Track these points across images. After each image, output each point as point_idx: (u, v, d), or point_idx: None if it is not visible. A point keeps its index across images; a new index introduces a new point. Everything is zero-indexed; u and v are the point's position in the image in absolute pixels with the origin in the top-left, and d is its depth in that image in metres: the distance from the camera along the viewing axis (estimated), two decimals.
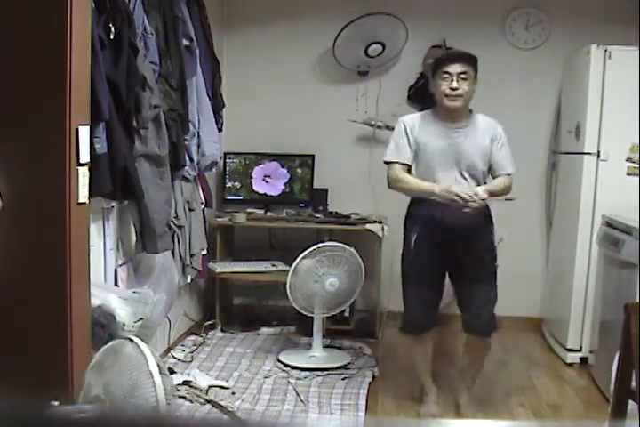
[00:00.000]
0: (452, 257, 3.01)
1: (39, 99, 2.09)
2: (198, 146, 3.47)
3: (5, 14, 2.07)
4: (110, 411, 1.73)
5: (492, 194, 2.91)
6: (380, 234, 4.06)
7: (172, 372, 3.27)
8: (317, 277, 3.62)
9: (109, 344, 1.92)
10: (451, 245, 2.97)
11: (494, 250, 3.07)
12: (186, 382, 3.22)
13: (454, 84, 2.86)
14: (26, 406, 0.85)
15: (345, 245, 3.68)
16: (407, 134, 2.99)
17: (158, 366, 1.81)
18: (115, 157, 2.51)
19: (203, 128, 3.49)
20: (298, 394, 3.23)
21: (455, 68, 2.87)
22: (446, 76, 2.87)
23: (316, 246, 3.61)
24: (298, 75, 4.50)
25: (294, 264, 3.57)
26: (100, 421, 0.94)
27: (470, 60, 2.91)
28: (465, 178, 2.95)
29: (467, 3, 4.33)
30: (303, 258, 3.59)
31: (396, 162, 3.00)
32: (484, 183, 3.00)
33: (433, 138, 2.95)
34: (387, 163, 3.05)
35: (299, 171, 4.43)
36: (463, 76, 2.87)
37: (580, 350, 3.75)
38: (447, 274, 3.09)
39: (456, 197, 2.79)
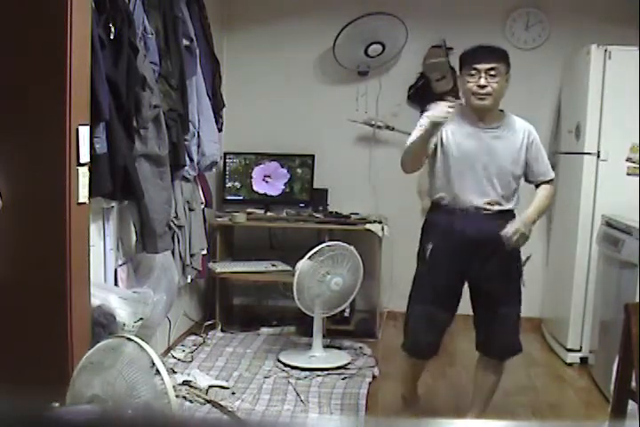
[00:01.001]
0: (472, 272, 2.72)
1: (39, 99, 2.09)
2: (198, 146, 3.47)
3: (5, 14, 2.07)
4: (114, 411, 1.73)
5: (536, 219, 2.67)
6: (380, 234, 4.06)
7: (171, 372, 3.28)
8: (322, 277, 3.63)
9: (104, 343, 1.91)
10: (470, 258, 2.69)
11: (520, 266, 2.78)
12: (186, 382, 3.22)
13: (482, 82, 2.60)
14: (27, 408, 0.85)
15: (345, 244, 3.69)
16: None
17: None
18: (115, 157, 2.51)
19: (203, 128, 3.49)
20: (298, 394, 3.23)
21: (484, 65, 2.59)
22: (474, 72, 2.61)
23: (320, 247, 3.61)
24: (298, 75, 4.50)
25: (300, 265, 3.56)
26: (104, 421, 0.94)
27: (501, 55, 2.65)
28: (492, 183, 2.68)
29: (467, 3, 4.33)
30: (308, 259, 3.59)
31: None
32: (515, 190, 2.73)
33: (461, 138, 2.68)
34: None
35: (299, 171, 4.43)
36: (492, 72, 2.61)
37: (580, 350, 3.75)
38: (469, 292, 2.81)
39: (439, 109, 2.48)
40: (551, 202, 2.83)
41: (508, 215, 2.71)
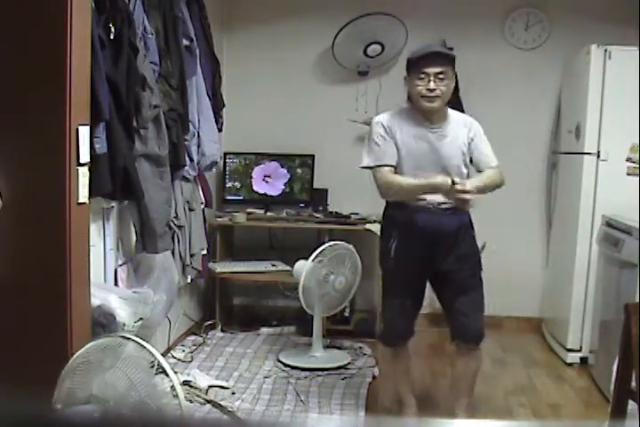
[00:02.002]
0: (434, 264, 2.84)
1: (39, 99, 2.09)
2: (198, 146, 3.47)
3: (5, 14, 2.07)
4: (115, 412, 1.73)
5: (481, 189, 2.72)
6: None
7: (167, 374, 3.27)
8: (325, 276, 3.63)
9: (97, 343, 1.90)
10: (432, 252, 2.81)
11: (478, 255, 2.92)
12: (186, 382, 3.22)
13: (432, 85, 2.67)
14: (30, 409, 0.85)
15: (346, 243, 3.69)
16: (386, 133, 2.78)
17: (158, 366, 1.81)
18: (115, 157, 2.51)
19: (203, 128, 3.49)
20: (298, 394, 3.23)
21: (432, 68, 2.67)
22: (423, 76, 2.68)
23: (323, 247, 3.61)
24: (298, 75, 4.50)
25: (304, 266, 3.55)
26: (105, 422, 0.94)
27: (448, 59, 2.71)
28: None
29: (467, 3, 4.33)
30: (313, 260, 3.59)
31: (383, 165, 2.77)
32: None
33: (411, 139, 2.77)
34: (369, 168, 2.82)
35: (299, 171, 4.43)
36: (441, 76, 2.67)
37: (580, 350, 3.75)
38: (429, 282, 2.93)
39: (458, 187, 2.61)
40: (497, 183, 2.83)
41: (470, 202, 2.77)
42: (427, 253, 2.81)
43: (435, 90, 2.68)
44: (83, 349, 1.90)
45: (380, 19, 4.24)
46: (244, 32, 4.49)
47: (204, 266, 3.85)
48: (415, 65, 2.71)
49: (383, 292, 2.96)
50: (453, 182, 2.64)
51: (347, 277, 3.69)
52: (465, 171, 2.81)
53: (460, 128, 2.81)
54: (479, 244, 2.95)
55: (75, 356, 1.89)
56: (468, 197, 2.64)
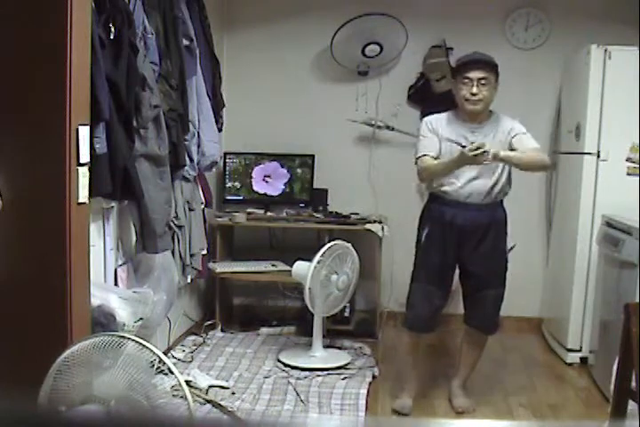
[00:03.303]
0: (462, 256, 3.08)
1: (39, 99, 2.09)
2: (198, 146, 3.47)
3: (5, 14, 2.07)
4: (120, 412, 1.73)
5: (509, 159, 2.91)
6: (380, 234, 4.06)
7: (172, 372, 3.27)
8: (328, 276, 3.63)
9: (93, 341, 1.90)
10: (460, 244, 3.05)
11: (504, 254, 3.14)
12: (186, 382, 3.22)
13: (474, 90, 2.95)
14: (34, 411, 0.85)
15: (345, 242, 3.70)
16: (432, 131, 3.06)
17: (158, 366, 1.81)
18: (115, 157, 2.51)
19: (203, 128, 3.49)
20: (298, 394, 3.23)
21: (476, 74, 2.95)
22: (467, 81, 2.96)
23: (326, 247, 3.60)
24: (298, 75, 4.50)
25: (310, 268, 3.54)
26: (108, 422, 0.94)
27: (491, 67, 2.99)
28: (483, 176, 3.01)
29: (467, 3, 4.33)
30: (318, 261, 3.58)
31: (425, 155, 3.05)
32: (504, 181, 3.07)
33: (453, 137, 3.03)
34: (417, 158, 3.08)
35: (299, 171, 4.43)
36: (483, 81, 2.95)
37: (580, 350, 3.75)
38: (458, 273, 3.16)
39: (477, 151, 2.78)
40: (531, 158, 2.98)
41: (496, 206, 3.09)
42: (455, 245, 3.06)
43: (477, 94, 2.95)
44: (84, 347, 1.89)
45: (378, 19, 4.24)
46: (244, 32, 4.49)
47: (204, 266, 3.85)
48: (460, 71, 3.00)
49: (412, 277, 3.17)
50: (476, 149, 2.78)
51: (348, 276, 3.70)
52: (501, 165, 3.00)
53: (501, 128, 3.05)
54: (510, 244, 3.17)
55: (63, 355, 1.88)
56: (484, 159, 2.79)
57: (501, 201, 3.12)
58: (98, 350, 1.87)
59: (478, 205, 3.03)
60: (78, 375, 1.85)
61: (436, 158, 3.03)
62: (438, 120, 3.10)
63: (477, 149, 2.79)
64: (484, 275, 3.09)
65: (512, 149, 2.99)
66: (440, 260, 3.08)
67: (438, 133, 3.05)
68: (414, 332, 3.21)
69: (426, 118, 3.16)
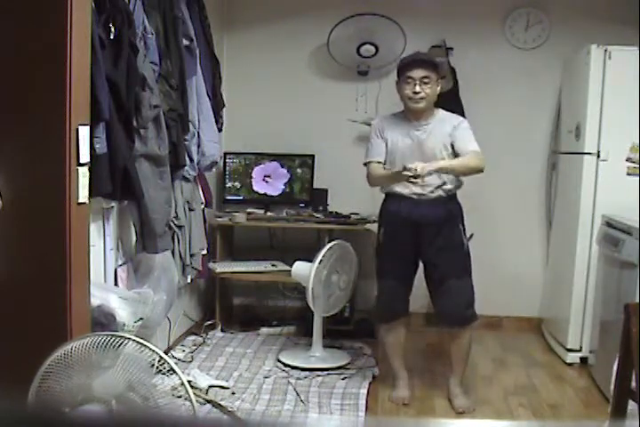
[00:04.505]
0: (421, 251, 3.20)
1: (39, 99, 2.09)
2: (198, 146, 3.47)
3: (5, 14, 2.07)
4: (121, 412, 1.73)
5: (441, 170, 3.01)
6: None
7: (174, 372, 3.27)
8: (329, 276, 3.63)
9: (89, 341, 1.90)
10: (417, 239, 3.18)
11: (463, 244, 3.21)
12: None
13: (417, 89, 3.06)
14: (37, 412, 0.85)
15: (342, 241, 3.70)
16: (378, 135, 3.22)
17: (158, 366, 1.81)
18: (115, 157, 2.51)
19: (203, 128, 3.49)
20: (298, 394, 3.23)
21: (417, 73, 3.05)
22: (410, 80, 3.07)
23: (327, 247, 3.60)
24: (298, 75, 4.50)
25: (313, 270, 3.53)
26: (112, 422, 0.94)
27: (432, 66, 3.10)
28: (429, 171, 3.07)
29: (466, 3, 4.33)
30: (319, 262, 3.58)
31: (371, 161, 3.22)
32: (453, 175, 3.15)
33: (399, 136, 3.17)
34: (365, 164, 3.26)
35: (299, 171, 4.43)
36: (425, 80, 3.06)
37: (580, 350, 3.75)
38: (422, 266, 3.27)
39: (405, 172, 2.91)
40: (471, 167, 3.07)
41: (448, 199, 3.17)
42: (412, 239, 3.18)
43: (419, 93, 3.06)
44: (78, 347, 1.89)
45: (372, 19, 4.23)
46: (244, 32, 4.49)
47: (204, 266, 3.85)
48: (403, 71, 3.10)
49: (376, 274, 3.34)
50: (405, 169, 2.93)
51: (348, 275, 3.69)
52: (447, 159, 3.11)
53: (444, 124, 3.15)
54: (468, 234, 3.26)
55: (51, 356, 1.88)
56: (415, 181, 2.94)
57: (454, 194, 3.20)
58: (97, 349, 1.87)
59: (430, 199, 3.14)
60: (77, 375, 1.85)
61: (382, 163, 3.19)
62: (384, 121, 3.25)
63: (410, 170, 2.89)
64: (447, 267, 3.17)
65: (452, 145, 3.10)
66: (401, 256, 3.22)
67: (384, 136, 3.19)
68: (383, 322, 3.37)
69: (374, 121, 3.36)
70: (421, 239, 3.17)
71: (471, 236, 3.43)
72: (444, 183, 3.13)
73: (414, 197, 3.13)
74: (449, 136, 3.11)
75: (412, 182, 2.97)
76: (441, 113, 3.19)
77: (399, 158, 3.13)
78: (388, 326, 3.35)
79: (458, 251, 3.19)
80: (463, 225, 3.22)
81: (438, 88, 3.13)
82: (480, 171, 3.10)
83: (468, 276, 3.20)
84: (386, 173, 3.15)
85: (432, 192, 3.13)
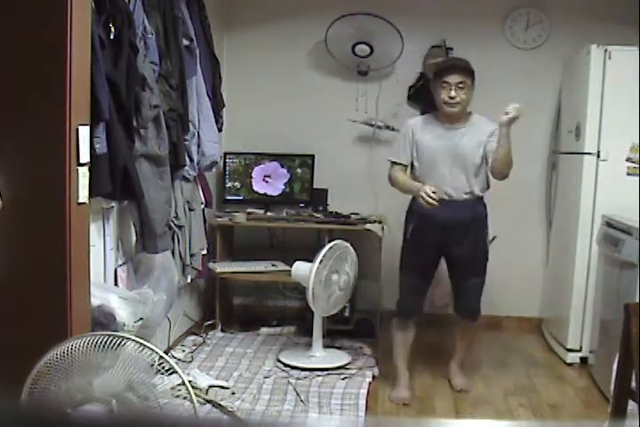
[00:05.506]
0: (446, 250, 3.29)
1: (39, 99, 2.09)
2: (198, 146, 3.47)
3: (5, 14, 2.07)
4: (121, 412, 1.73)
5: (508, 139, 3.10)
6: (380, 234, 4.06)
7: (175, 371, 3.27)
8: (329, 275, 3.63)
9: (86, 340, 1.90)
10: (442, 239, 3.25)
11: (485, 246, 3.33)
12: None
13: (452, 93, 3.13)
14: (37, 412, 0.85)
15: (342, 241, 3.70)
16: (408, 137, 3.29)
17: (156, 366, 1.81)
18: (115, 157, 2.51)
19: (203, 128, 3.49)
20: (298, 394, 3.23)
21: (453, 79, 3.13)
22: (445, 85, 3.14)
23: (327, 247, 3.60)
24: (298, 74, 4.50)
25: (313, 270, 3.53)
26: (113, 422, 0.94)
27: (468, 71, 3.18)
28: (461, 174, 3.21)
29: (466, 3, 4.33)
30: (320, 261, 3.57)
31: (396, 162, 3.33)
32: (483, 178, 3.25)
33: (433, 139, 3.24)
34: (391, 162, 3.36)
35: (299, 171, 4.43)
36: (461, 85, 3.14)
37: (580, 350, 3.75)
38: (446, 265, 3.38)
39: (423, 195, 3.05)
40: (511, 156, 3.17)
41: (476, 202, 3.26)
42: (438, 239, 3.26)
43: (455, 97, 3.14)
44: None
45: (367, 20, 4.21)
46: (244, 32, 4.49)
47: (204, 266, 3.85)
48: (439, 75, 3.18)
49: (400, 269, 3.40)
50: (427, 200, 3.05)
51: (349, 276, 3.69)
52: (478, 162, 3.21)
53: (479, 129, 3.22)
54: (491, 236, 3.36)
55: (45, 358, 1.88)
56: (431, 202, 3.05)
57: (482, 197, 3.29)
58: (97, 349, 1.87)
59: (459, 202, 3.21)
60: (77, 375, 1.85)
61: (405, 166, 3.31)
62: (418, 122, 3.32)
63: (432, 193, 3.04)
64: (470, 266, 3.30)
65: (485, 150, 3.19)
66: (425, 254, 3.30)
67: (415, 137, 3.26)
68: (403, 317, 3.41)
69: (408, 121, 3.39)
70: (448, 240, 3.25)
71: (494, 238, 3.50)
72: (473, 184, 3.22)
73: (445, 197, 3.17)
74: (483, 143, 3.18)
75: (427, 203, 3.05)
76: (475, 117, 3.27)
77: (428, 159, 3.23)
78: (404, 323, 3.39)
79: (480, 253, 3.31)
80: (487, 227, 3.32)
81: (472, 93, 3.21)
82: (508, 172, 3.18)
83: (484, 274, 3.34)
84: (405, 182, 3.27)
85: (462, 194, 3.22)
